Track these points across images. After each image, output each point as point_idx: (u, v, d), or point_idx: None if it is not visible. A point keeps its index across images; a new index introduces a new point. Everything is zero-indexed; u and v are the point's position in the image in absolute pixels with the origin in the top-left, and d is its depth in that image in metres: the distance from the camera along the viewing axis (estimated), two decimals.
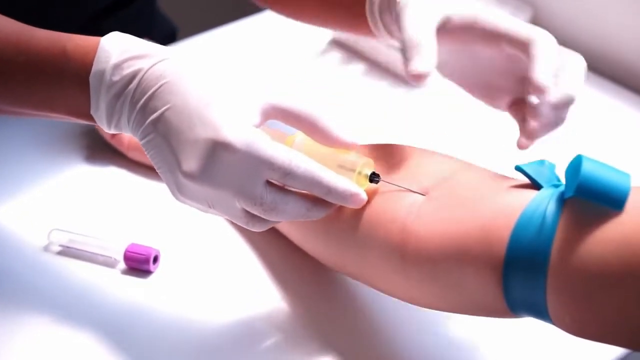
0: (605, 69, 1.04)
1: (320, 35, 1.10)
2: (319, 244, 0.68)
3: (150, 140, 0.60)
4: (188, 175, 0.58)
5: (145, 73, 0.60)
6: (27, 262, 0.75)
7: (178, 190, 0.60)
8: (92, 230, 0.77)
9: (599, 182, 0.53)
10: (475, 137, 0.91)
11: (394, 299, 0.65)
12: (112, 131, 0.63)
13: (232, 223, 0.79)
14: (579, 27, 1.06)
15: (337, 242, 0.66)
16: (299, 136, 0.65)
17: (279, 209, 0.60)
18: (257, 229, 0.62)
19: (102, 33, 0.65)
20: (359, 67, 1.03)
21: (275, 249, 0.76)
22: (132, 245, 0.74)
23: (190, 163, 0.58)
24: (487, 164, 0.65)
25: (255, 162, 0.58)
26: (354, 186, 0.61)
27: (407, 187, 0.63)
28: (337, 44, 1.09)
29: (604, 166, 0.54)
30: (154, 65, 0.60)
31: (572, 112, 0.97)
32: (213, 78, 0.60)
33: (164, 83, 0.60)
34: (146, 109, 0.60)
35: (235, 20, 1.13)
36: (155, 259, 0.74)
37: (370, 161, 0.64)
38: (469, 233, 0.58)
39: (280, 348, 0.68)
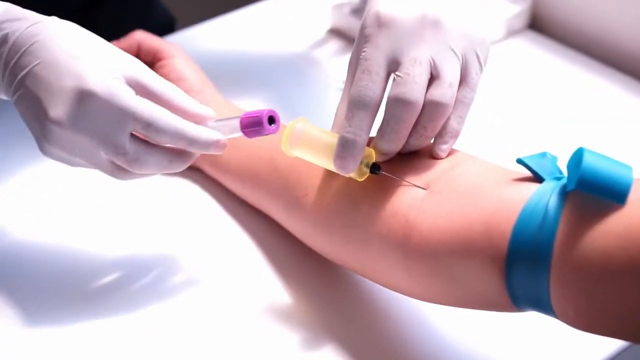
0: (606, 55, 1.04)
1: (319, 24, 1.09)
2: (321, 238, 0.68)
3: (20, 95, 0.63)
4: (55, 122, 0.61)
5: (20, 34, 0.63)
6: (23, 256, 0.75)
7: (45, 139, 0.63)
8: (89, 224, 0.77)
9: (600, 175, 0.53)
10: (476, 129, 0.91)
11: (396, 293, 0.65)
12: None
13: (234, 217, 0.79)
14: (579, 14, 1.06)
15: (339, 236, 0.65)
16: (299, 123, 0.65)
17: (141, 160, 0.63)
18: (121, 179, 0.65)
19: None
20: None
21: (278, 242, 0.76)
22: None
23: (57, 110, 0.61)
24: (488, 156, 0.65)
25: (118, 112, 0.61)
26: (215, 133, 0.65)
27: (408, 181, 0.62)
28: (335, 32, 1.08)
29: (606, 159, 0.53)
30: (28, 27, 0.64)
31: (574, 100, 0.97)
32: (84, 39, 0.64)
33: (35, 42, 0.63)
34: (17, 66, 0.63)
35: (234, 10, 1.12)
36: (272, 120, 0.65)
37: (372, 151, 0.63)
38: (471, 227, 0.57)
39: (283, 341, 0.68)
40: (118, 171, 0.65)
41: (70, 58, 0.62)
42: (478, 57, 0.63)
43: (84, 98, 0.61)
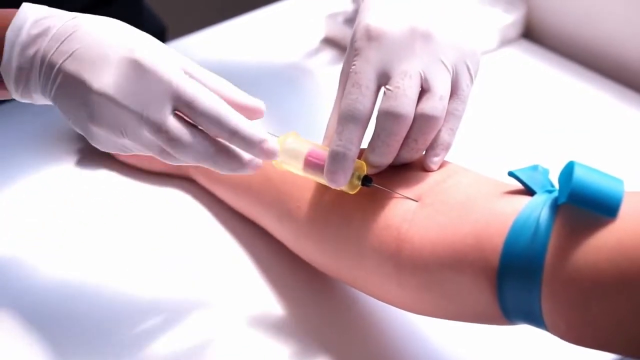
0: (600, 65, 1.04)
1: (313, 33, 1.09)
2: (313, 250, 0.68)
3: (59, 86, 0.61)
4: (99, 93, 0.59)
5: (62, 25, 0.62)
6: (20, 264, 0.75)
7: (90, 119, 0.61)
8: (78, 234, 0.77)
9: (591, 189, 0.53)
10: (469, 140, 0.90)
11: (388, 305, 0.65)
12: (18, 94, 0.63)
13: (226, 227, 0.79)
14: (573, 23, 1.06)
15: (331, 248, 0.65)
16: (290, 138, 0.64)
17: (184, 141, 0.59)
18: (169, 161, 0.62)
19: None
20: None
21: (270, 253, 0.76)
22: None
23: (101, 80, 0.59)
24: (481, 166, 0.65)
25: (161, 85, 0.59)
26: (263, 132, 0.60)
27: (399, 193, 0.62)
28: (329, 42, 1.08)
29: (597, 173, 0.53)
30: (67, 21, 0.62)
31: (568, 109, 0.97)
32: (130, 30, 0.62)
33: (75, 31, 0.61)
34: (58, 54, 0.61)
35: (226, 20, 1.12)
36: None
37: (363, 164, 0.63)
38: (463, 240, 0.57)
39: (275, 353, 0.68)
40: (165, 154, 0.61)
41: (118, 35, 0.61)
42: (469, 69, 0.63)
43: (130, 67, 0.59)
